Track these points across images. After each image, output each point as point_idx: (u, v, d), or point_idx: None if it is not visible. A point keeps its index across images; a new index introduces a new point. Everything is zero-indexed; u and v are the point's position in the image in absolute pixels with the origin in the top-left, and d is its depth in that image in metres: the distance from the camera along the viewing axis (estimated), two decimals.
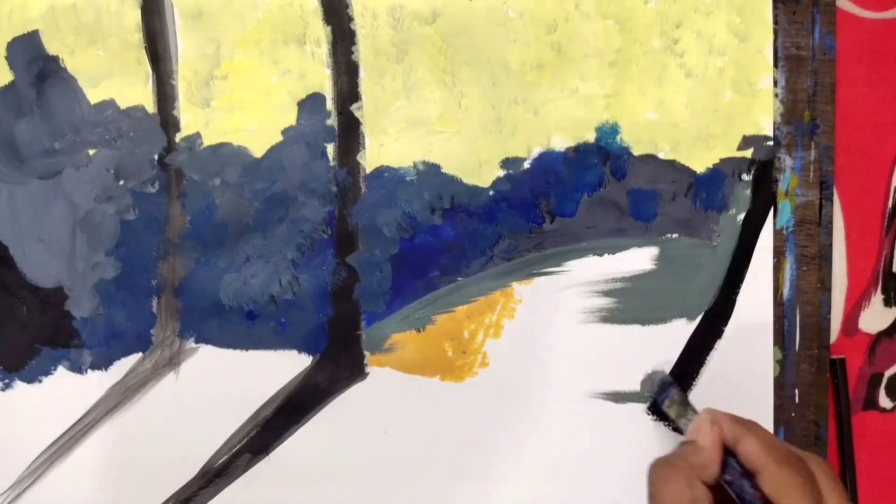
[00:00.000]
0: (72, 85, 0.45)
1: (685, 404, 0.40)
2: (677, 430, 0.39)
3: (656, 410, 0.46)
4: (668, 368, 0.47)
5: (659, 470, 0.35)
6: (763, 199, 0.47)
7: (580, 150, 0.46)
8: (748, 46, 0.46)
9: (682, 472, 0.34)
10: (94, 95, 0.45)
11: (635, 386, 0.47)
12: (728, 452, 0.35)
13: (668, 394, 0.40)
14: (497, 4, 0.45)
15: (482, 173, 0.46)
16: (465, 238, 0.46)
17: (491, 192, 0.46)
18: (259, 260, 0.46)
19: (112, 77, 0.45)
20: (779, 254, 0.47)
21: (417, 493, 0.47)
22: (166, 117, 0.45)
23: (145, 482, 0.46)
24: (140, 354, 0.46)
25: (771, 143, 0.46)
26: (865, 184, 0.48)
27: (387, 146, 0.46)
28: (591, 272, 0.46)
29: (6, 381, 0.46)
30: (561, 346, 0.47)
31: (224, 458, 0.46)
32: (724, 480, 0.35)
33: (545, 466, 0.47)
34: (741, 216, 0.47)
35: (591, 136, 0.46)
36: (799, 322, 0.47)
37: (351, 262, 0.46)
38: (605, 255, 0.46)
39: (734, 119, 0.46)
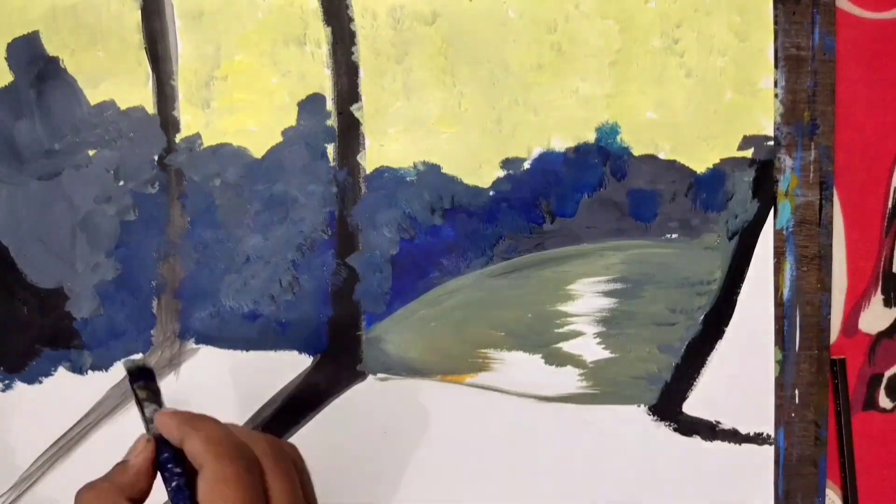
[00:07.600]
0: (72, 86, 0.45)
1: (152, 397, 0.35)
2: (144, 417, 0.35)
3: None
4: (669, 369, 0.47)
5: (83, 496, 0.33)
6: (763, 200, 0.47)
7: (580, 151, 0.46)
8: (748, 46, 0.46)
9: (107, 494, 0.33)
10: (93, 96, 0.45)
11: (636, 387, 0.47)
12: (176, 458, 0.34)
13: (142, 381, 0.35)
14: (497, 4, 0.45)
15: (482, 173, 0.46)
16: (466, 238, 0.46)
17: (491, 193, 0.46)
18: (259, 260, 0.46)
19: (112, 78, 0.45)
20: (779, 254, 0.47)
21: (417, 494, 0.47)
22: (166, 118, 0.45)
23: None
24: (140, 355, 0.46)
25: (771, 143, 0.46)
26: (865, 184, 0.48)
27: (387, 146, 0.46)
28: (591, 273, 0.46)
29: (7, 381, 0.46)
30: (561, 346, 0.46)
31: None
32: (169, 489, 0.33)
33: (546, 468, 0.47)
34: (741, 216, 0.47)
35: (591, 136, 0.46)
36: (799, 322, 0.47)
37: (351, 262, 0.46)
38: (605, 255, 0.46)
39: (734, 119, 0.46)
